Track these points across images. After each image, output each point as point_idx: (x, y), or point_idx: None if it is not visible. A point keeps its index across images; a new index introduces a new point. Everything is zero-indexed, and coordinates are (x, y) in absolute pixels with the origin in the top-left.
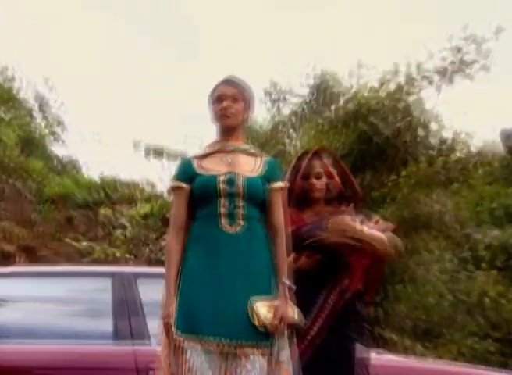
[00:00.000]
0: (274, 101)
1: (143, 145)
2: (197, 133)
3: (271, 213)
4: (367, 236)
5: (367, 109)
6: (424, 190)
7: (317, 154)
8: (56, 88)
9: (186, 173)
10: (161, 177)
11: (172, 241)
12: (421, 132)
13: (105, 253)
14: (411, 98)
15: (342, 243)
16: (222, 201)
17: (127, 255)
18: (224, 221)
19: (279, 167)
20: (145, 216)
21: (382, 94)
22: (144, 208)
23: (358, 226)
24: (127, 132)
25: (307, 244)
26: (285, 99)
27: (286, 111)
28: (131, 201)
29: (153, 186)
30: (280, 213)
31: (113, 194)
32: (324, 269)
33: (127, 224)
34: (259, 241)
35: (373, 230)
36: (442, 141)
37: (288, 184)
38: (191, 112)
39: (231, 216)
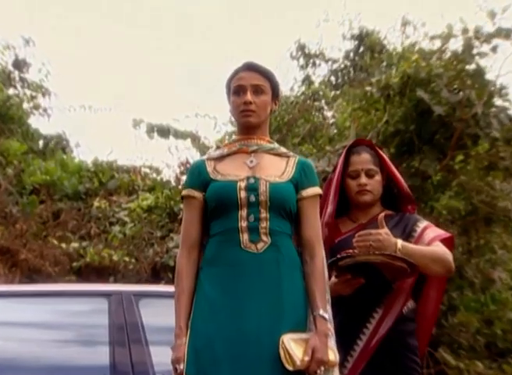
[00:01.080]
0: (302, 68)
1: (144, 124)
2: (209, 111)
3: (304, 227)
4: (413, 254)
5: (427, 74)
6: (485, 177)
7: (354, 147)
8: (40, 52)
9: (199, 178)
10: (167, 162)
11: (182, 263)
12: (497, 101)
13: (100, 256)
14: (470, 67)
15: (378, 262)
16: (243, 212)
17: (126, 259)
18: (245, 238)
19: (313, 169)
20: (149, 210)
21: (441, 56)
22: (146, 199)
23: (393, 240)
24: (126, 107)
25: (343, 265)
26: (315, 65)
27: (316, 79)
28: (131, 191)
29: (158, 172)
30: (316, 226)
31: (109, 182)
32: (368, 296)
33: (127, 219)
34: (289, 261)
35: (426, 245)
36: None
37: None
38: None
39: (254, 232)
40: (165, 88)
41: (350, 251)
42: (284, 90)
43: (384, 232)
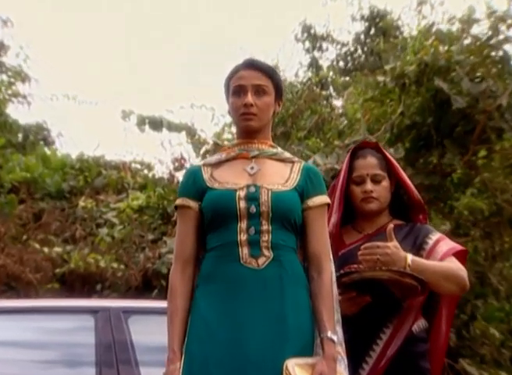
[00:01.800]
0: (308, 52)
1: (135, 116)
2: (206, 101)
3: (310, 239)
4: (424, 270)
5: (446, 61)
6: (511, 174)
7: (359, 150)
8: (19, 34)
9: (195, 186)
10: (160, 157)
11: (176, 280)
12: None
13: (86, 261)
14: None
15: (385, 278)
16: (242, 224)
17: (115, 265)
18: (245, 252)
19: (320, 176)
20: (140, 210)
21: (462, 41)
22: (137, 199)
23: (402, 254)
24: (115, 98)
25: (348, 282)
26: (321, 49)
27: (324, 64)
28: (120, 189)
29: (150, 168)
30: (323, 239)
31: (96, 179)
32: (375, 315)
33: (115, 221)
34: (294, 278)
35: (439, 260)
36: None
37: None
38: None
39: (254, 246)
40: (158, 78)
41: (355, 266)
42: (288, 76)
43: (392, 245)
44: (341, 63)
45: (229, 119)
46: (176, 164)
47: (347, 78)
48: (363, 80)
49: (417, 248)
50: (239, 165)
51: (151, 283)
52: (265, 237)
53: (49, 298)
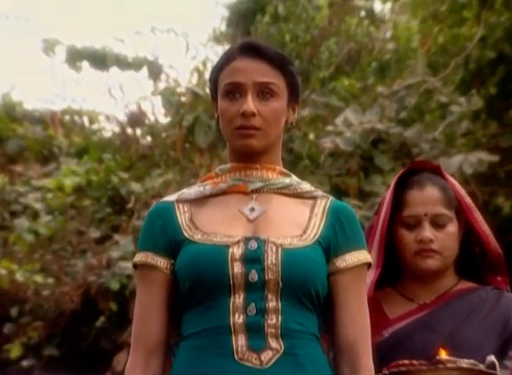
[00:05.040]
0: None
1: (63, 48)
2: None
3: (341, 320)
4: None
5: None
6: None
7: (413, 174)
8: None
9: (165, 234)
10: (108, 111)
11: None
12: None
13: None
14: None
15: None
16: (237, 299)
17: (38, 278)
18: (241, 343)
19: (356, 219)
20: (77, 191)
21: None
22: (74, 172)
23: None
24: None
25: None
26: None
27: None
28: (47, 157)
29: (92, 122)
30: (361, 319)
31: (9, 141)
32: None
33: (39, 207)
34: None
35: None
36: None
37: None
38: None
39: (256, 333)
40: None
41: (408, 362)
42: None
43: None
44: None
45: (211, 50)
46: (132, 120)
47: None
48: None
49: (506, 340)
50: (232, 204)
51: (94, 307)
52: (272, 320)
53: None
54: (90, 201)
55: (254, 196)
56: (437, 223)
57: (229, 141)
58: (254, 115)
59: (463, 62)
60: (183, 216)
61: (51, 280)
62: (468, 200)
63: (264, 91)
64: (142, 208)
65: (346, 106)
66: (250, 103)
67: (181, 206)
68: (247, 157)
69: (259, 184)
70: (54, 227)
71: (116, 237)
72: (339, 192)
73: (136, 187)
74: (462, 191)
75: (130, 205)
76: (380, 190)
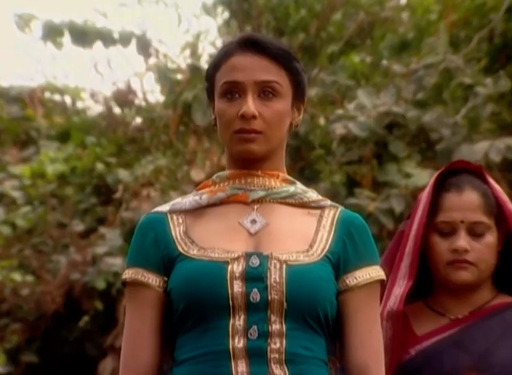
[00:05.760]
0: None
1: (39, 23)
2: None
3: (351, 343)
4: None
5: None
6: None
7: (451, 175)
8: None
9: (157, 249)
10: (93, 89)
11: None
12: None
13: None
14: None
15: None
16: (237, 321)
17: (16, 276)
18: (242, 369)
19: (368, 231)
20: (59, 178)
21: None
22: (55, 158)
23: None
24: None
25: None
26: None
27: None
28: (25, 140)
29: (75, 101)
30: (374, 341)
31: None
32: None
33: (16, 196)
34: None
35: None
36: None
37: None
38: None
39: (258, 358)
40: None
41: None
42: None
43: None
44: None
45: (208, 22)
46: (120, 99)
47: None
48: None
49: None
50: (232, 215)
51: (78, 308)
52: (276, 344)
53: None
54: (73, 190)
55: (256, 206)
56: (474, 232)
57: (227, 146)
58: (254, 117)
59: (487, 37)
60: (177, 228)
61: (30, 278)
62: (511, 207)
63: (265, 91)
64: (131, 198)
65: (357, 85)
66: (251, 104)
67: (175, 218)
68: (248, 163)
69: (261, 193)
70: (33, 219)
71: (102, 230)
72: (351, 182)
73: (124, 174)
74: (504, 197)
75: (118, 195)
76: (395, 179)
